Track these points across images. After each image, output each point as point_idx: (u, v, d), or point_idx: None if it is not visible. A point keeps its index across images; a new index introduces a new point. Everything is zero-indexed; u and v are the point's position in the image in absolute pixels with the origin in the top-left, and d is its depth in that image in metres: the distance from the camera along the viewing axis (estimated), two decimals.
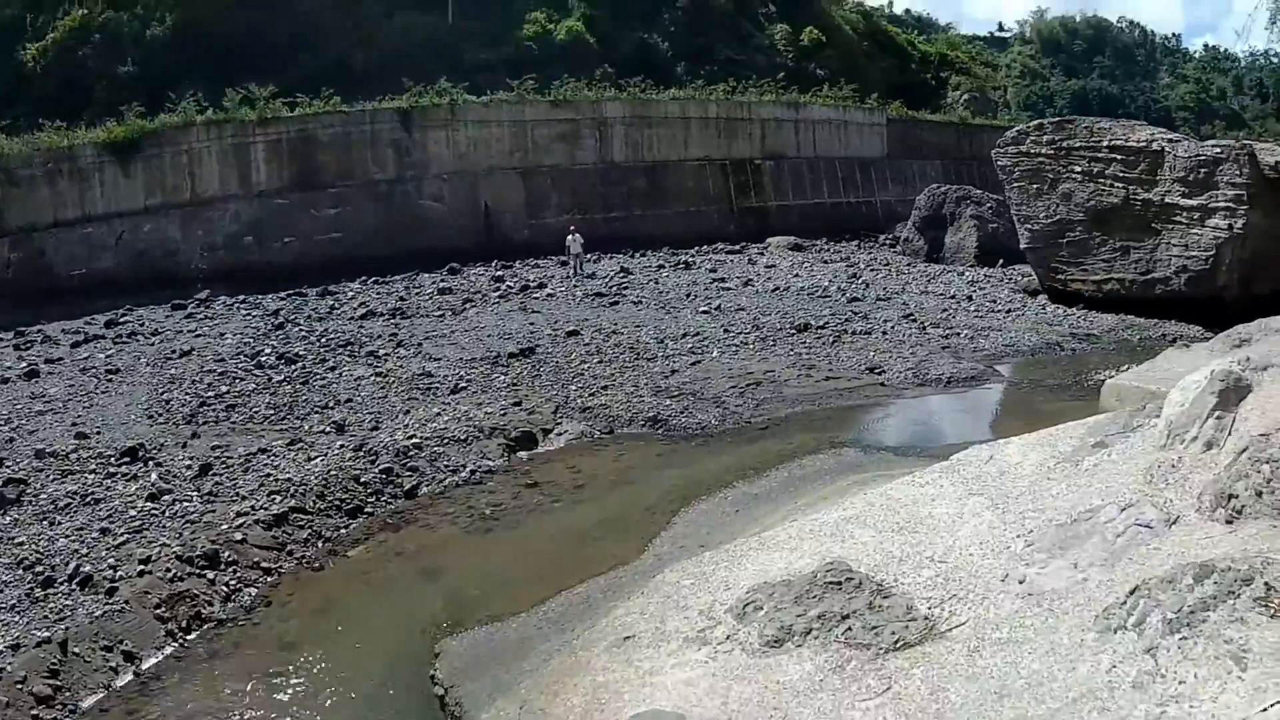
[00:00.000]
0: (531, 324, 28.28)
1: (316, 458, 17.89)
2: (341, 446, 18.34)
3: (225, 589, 13.94)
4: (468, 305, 31.95)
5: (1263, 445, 8.45)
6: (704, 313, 29.65)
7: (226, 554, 14.51)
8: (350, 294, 34.57)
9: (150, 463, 17.71)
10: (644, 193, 47.66)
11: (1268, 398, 9.55)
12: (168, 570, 13.73)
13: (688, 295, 32.48)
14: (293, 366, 24.23)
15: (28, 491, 16.35)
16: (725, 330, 27.25)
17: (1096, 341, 29.47)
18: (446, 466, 17.98)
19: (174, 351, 26.50)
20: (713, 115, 51.53)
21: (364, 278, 36.82)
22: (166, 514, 15.65)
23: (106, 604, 12.84)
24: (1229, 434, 9.36)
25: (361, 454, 17.94)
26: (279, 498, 16.16)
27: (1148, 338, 29.84)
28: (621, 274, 36.60)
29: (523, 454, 18.89)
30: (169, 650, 12.41)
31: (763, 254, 42.94)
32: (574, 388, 22.09)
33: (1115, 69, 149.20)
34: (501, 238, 42.25)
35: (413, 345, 26.29)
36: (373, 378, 23.06)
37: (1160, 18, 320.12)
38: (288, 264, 38.21)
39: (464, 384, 22.31)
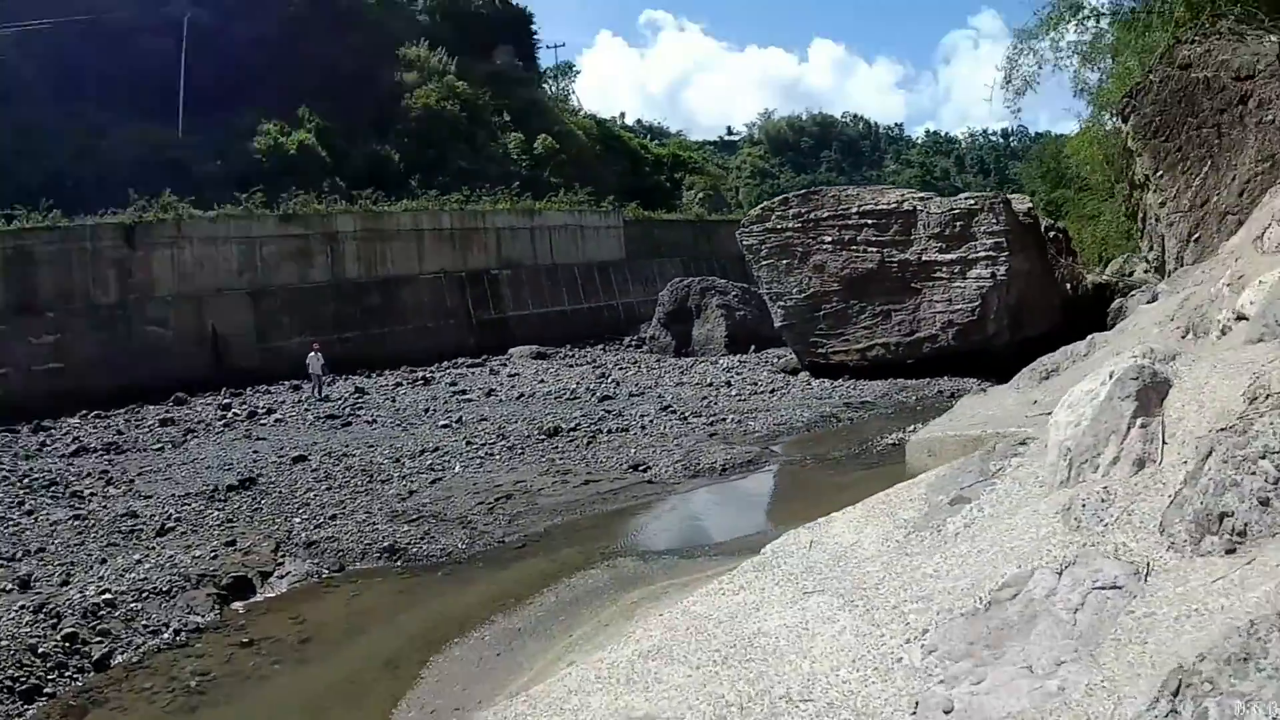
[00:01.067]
0: (256, 452, 25.52)
1: None
2: (20, 608, 15.18)
3: None
4: (189, 436, 28.92)
5: (1241, 440, 6.15)
6: (444, 426, 27.58)
7: None
8: (65, 430, 31.01)
9: None
10: (379, 309, 45.27)
11: (1198, 387, 7.77)
12: None
13: (426, 410, 30.38)
14: None
15: None
16: (468, 443, 25.17)
17: (872, 408, 28.84)
18: (145, 627, 14.97)
19: None
20: (447, 226, 49.99)
21: (84, 412, 33.27)
22: None
23: None
24: (1162, 442, 7.35)
25: (43, 616, 14.88)
26: None
27: (924, 396, 29.62)
28: (356, 394, 34.06)
29: (237, 604, 15.88)
30: None
31: (505, 364, 41.20)
32: (299, 520, 19.23)
33: (843, 161, 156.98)
34: (231, 365, 38.98)
35: (124, 483, 23.21)
36: (71, 521, 19.80)
37: (883, 110, 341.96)
38: (2, 398, 33.94)
39: (173, 524, 19.30)
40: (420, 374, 38.44)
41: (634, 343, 47.48)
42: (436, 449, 24.54)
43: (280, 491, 21.46)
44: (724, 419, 27.32)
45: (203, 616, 15.29)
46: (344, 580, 16.70)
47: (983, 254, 31.31)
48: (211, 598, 15.80)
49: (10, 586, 16.39)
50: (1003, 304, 31.33)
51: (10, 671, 13.37)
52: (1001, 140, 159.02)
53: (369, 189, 49.95)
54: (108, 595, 15.53)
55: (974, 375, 30.17)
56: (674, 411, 28.52)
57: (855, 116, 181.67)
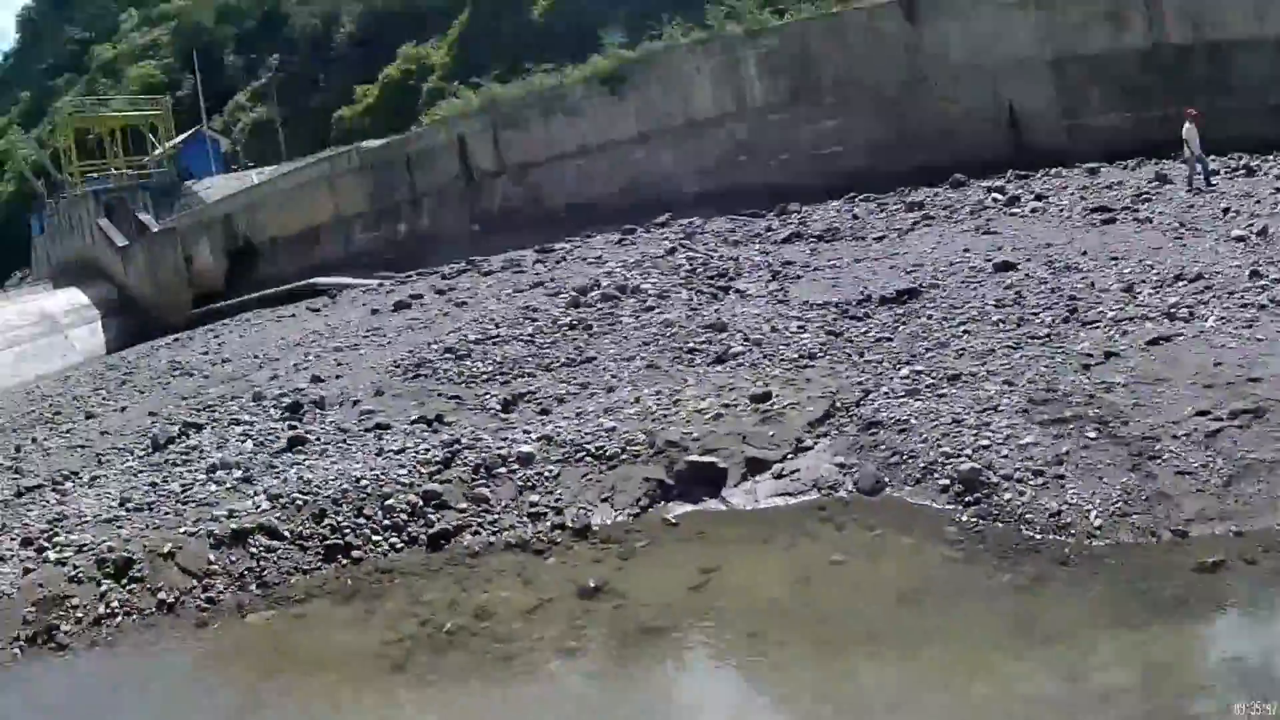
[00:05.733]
0: (967, 251, 17.20)
1: (396, 453, 10.76)
2: (430, 447, 10.64)
3: (98, 610, 9.47)
4: (921, 225, 21.41)
5: None
6: None
7: (142, 567, 9.74)
8: (805, 214, 25.31)
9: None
10: (1204, 81, 31.27)
11: None
12: (74, 568, 10.00)
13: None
14: (607, 305, 16.52)
15: None
16: None
17: None
18: (550, 504, 9.05)
19: (530, 284, 20.93)
20: None
21: (851, 194, 26.91)
22: (182, 493, 11.17)
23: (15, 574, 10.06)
24: None
25: (432, 463, 10.16)
26: (271, 505, 10.03)
27: None
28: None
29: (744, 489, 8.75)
30: None
31: None
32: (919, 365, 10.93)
33: None
34: (1030, 144, 29.80)
35: (790, 278, 16.89)
36: (660, 327, 14.24)
37: None
38: (785, 183, 29.30)
39: (751, 347, 12.44)
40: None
41: None
42: None
43: (946, 307, 13.39)
44: None
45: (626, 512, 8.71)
46: None
47: None
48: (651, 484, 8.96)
49: (493, 405, 12.06)
50: None
51: (335, 520, 9.53)
52: None
53: None
54: (541, 448, 9.85)
55: None
56: None
57: None
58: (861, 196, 26.77)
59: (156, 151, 64.38)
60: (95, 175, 61.50)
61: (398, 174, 41.24)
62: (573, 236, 29.25)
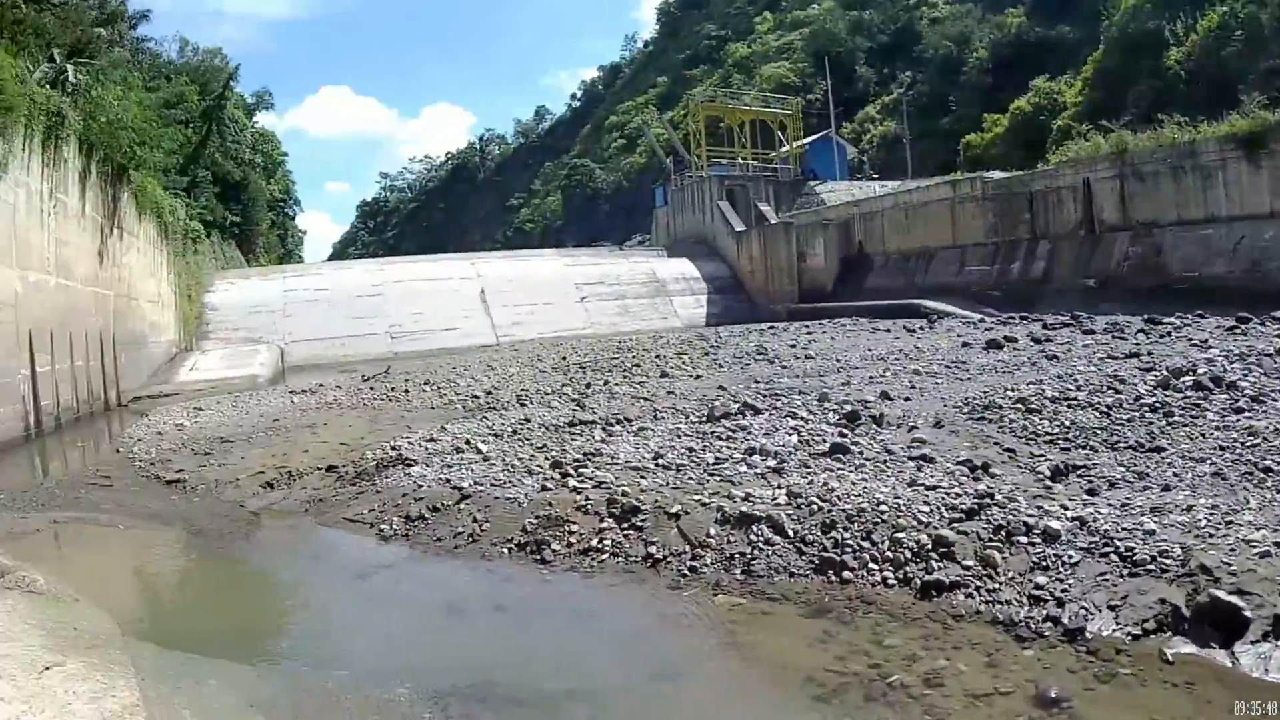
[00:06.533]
0: None
1: (927, 488, 11.03)
2: (963, 493, 10.66)
3: (590, 543, 10.67)
4: None
5: None
6: None
7: (646, 519, 10.85)
8: None
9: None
10: None
11: None
12: (586, 499, 11.65)
13: None
14: (1196, 394, 14.85)
15: None
16: None
17: None
18: (1056, 591, 8.26)
19: (1126, 354, 20.25)
20: None
21: None
22: (713, 465, 12.78)
23: (533, 488, 12.44)
24: None
25: (958, 510, 10.04)
26: (788, 501, 10.84)
27: None
28: None
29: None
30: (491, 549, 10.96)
31: None
32: None
33: None
34: None
35: None
36: (1242, 433, 12.54)
37: None
38: None
39: None
40: None
41: None
42: None
43: None
44: None
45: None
46: None
47: None
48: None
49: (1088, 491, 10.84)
50: None
51: (848, 539, 9.84)
52: None
53: None
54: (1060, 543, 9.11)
55: None
56: None
57: None
58: None
59: (783, 149, 67.69)
60: (722, 162, 65.52)
61: (1018, 211, 40.76)
62: (1185, 313, 27.40)
